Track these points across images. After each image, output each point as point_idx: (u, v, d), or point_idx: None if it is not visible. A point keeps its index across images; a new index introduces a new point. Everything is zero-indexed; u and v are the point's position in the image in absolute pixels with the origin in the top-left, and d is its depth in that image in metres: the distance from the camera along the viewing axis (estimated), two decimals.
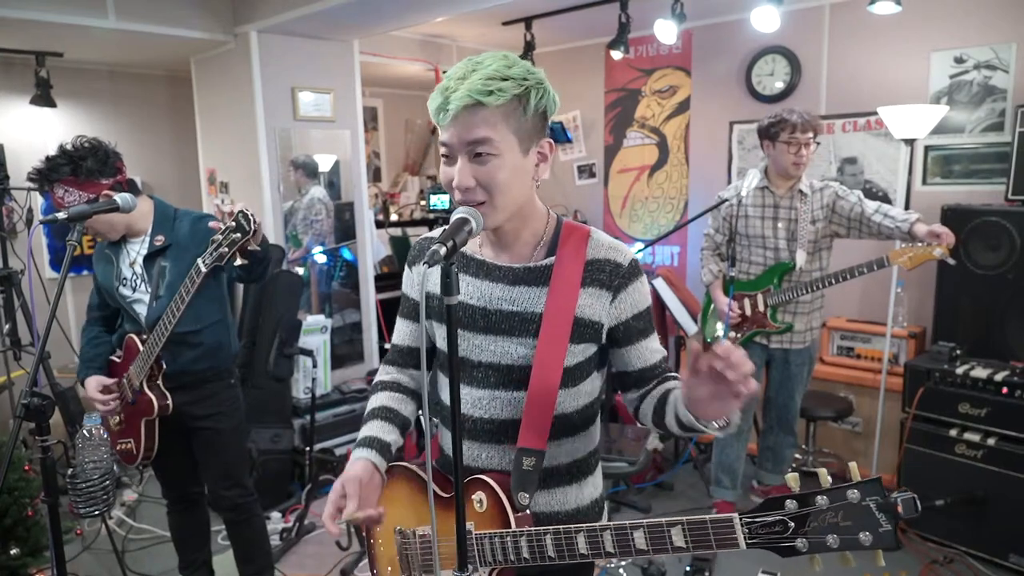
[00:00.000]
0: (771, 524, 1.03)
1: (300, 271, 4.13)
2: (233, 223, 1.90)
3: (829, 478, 1.02)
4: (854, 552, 0.99)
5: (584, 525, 1.16)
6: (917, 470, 3.07)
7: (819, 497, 1.00)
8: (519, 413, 1.26)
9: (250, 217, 1.89)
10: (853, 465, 1.05)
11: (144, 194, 2.36)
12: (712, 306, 3.34)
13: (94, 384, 2.34)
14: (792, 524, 1.02)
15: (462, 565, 1.10)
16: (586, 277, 1.25)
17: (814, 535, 1.00)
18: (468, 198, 1.15)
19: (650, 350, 1.32)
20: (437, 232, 1.30)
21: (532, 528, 1.20)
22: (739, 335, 3.17)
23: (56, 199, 2.16)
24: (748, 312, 3.12)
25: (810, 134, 2.91)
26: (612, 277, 1.26)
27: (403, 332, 1.43)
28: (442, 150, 1.18)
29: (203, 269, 1.99)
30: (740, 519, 1.04)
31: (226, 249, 1.92)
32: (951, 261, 2.77)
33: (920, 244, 2.69)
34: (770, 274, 3.07)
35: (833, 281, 2.93)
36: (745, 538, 1.04)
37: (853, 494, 0.98)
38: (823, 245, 3.05)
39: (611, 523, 1.14)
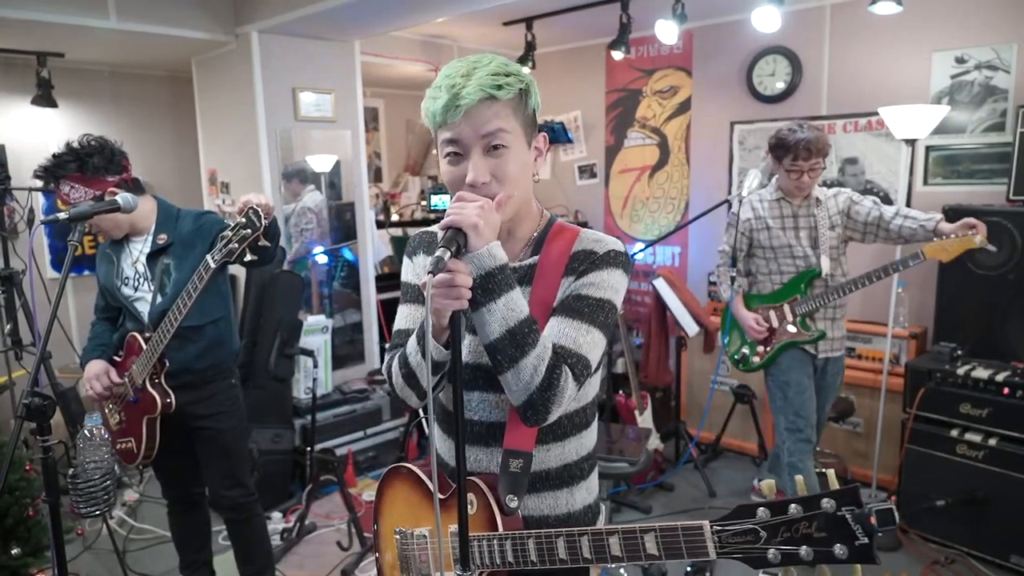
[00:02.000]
0: (742, 533, 0.98)
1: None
2: (243, 219, 1.89)
3: (804, 486, 0.99)
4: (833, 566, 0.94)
5: (564, 530, 1.14)
6: (918, 471, 3.07)
7: (792, 506, 0.95)
8: (506, 416, 1.25)
9: (260, 213, 1.89)
10: (831, 472, 1.00)
11: (147, 193, 2.37)
12: (731, 321, 3.19)
13: (96, 366, 2.34)
14: (764, 534, 0.97)
15: (464, 564, 1.09)
16: (565, 270, 1.24)
17: (786, 546, 0.95)
18: (485, 193, 1.14)
19: (562, 332, 1.18)
20: (437, 227, 1.28)
21: (515, 532, 1.18)
22: (768, 348, 3.03)
23: (62, 196, 2.18)
24: (776, 324, 2.99)
25: (815, 160, 2.81)
26: (582, 263, 1.23)
27: (407, 316, 1.35)
28: (450, 148, 1.16)
29: (212, 266, 1.98)
30: (711, 527, 1.00)
31: (236, 246, 1.91)
32: (992, 248, 2.70)
33: (954, 236, 2.63)
34: (795, 283, 2.97)
35: (867, 282, 2.82)
36: (716, 547, 0.99)
37: (828, 504, 0.93)
38: (842, 251, 2.99)
39: (589, 528, 1.13)
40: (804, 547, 0.94)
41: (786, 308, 2.97)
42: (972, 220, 2.62)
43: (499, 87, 1.13)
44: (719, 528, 0.99)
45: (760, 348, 3.05)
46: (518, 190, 1.19)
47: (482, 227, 1.08)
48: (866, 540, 0.91)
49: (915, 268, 2.77)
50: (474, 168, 1.14)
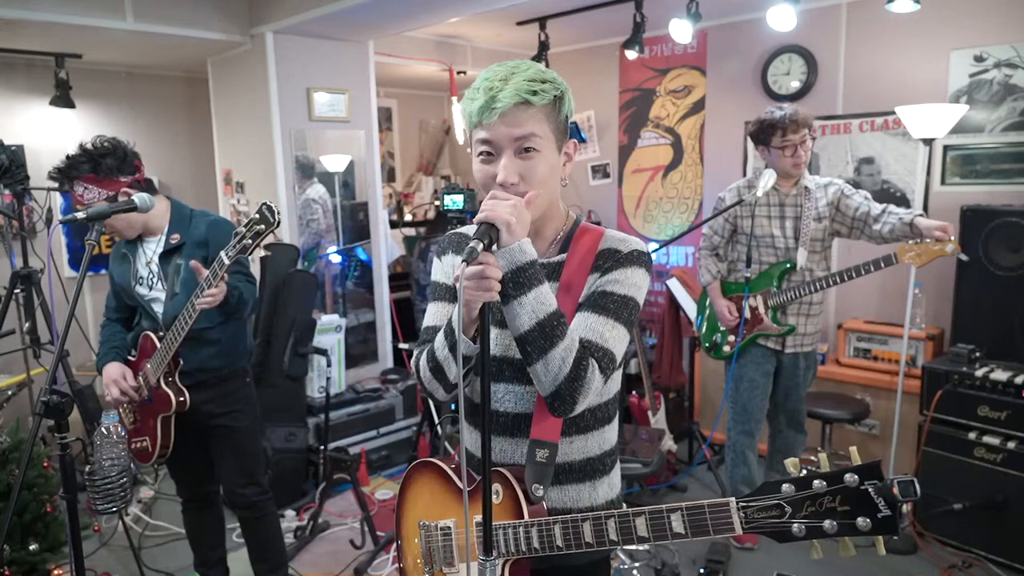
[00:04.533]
0: (768, 508, 1.02)
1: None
2: (257, 215, 1.91)
3: (827, 463, 1.02)
4: (858, 541, 0.97)
5: (590, 514, 1.18)
6: (935, 474, 3.04)
7: (816, 481, 0.99)
8: (532, 407, 1.28)
9: (274, 208, 1.91)
10: (853, 449, 1.03)
11: (161, 194, 2.39)
12: (709, 306, 3.23)
13: (114, 369, 2.36)
14: (789, 508, 1.00)
15: (487, 550, 1.11)
16: (591, 268, 1.29)
17: (811, 520, 0.99)
18: (514, 192, 1.19)
19: (588, 326, 1.23)
20: (466, 228, 1.37)
21: (541, 518, 1.22)
22: (739, 338, 3.07)
23: (76, 197, 2.20)
24: (748, 315, 3.01)
25: (803, 131, 2.81)
26: (607, 261, 1.28)
27: (435, 313, 1.39)
28: (483, 148, 1.21)
29: (226, 262, 2.00)
30: (737, 503, 1.03)
31: (250, 241, 1.93)
32: (964, 257, 2.70)
33: (928, 241, 2.62)
34: (769, 275, 2.98)
35: (839, 279, 2.82)
36: (742, 522, 1.03)
37: (851, 478, 0.97)
38: (828, 244, 2.98)
39: (615, 511, 1.17)
40: (828, 520, 0.97)
41: (759, 299, 2.99)
42: (947, 225, 2.59)
43: (534, 92, 1.17)
44: (744, 504, 1.03)
45: (731, 338, 3.10)
46: (545, 190, 1.23)
47: (514, 224, 1.13)
48: (888, 512, 0.94)
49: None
50: (504, 169, 1.19)
